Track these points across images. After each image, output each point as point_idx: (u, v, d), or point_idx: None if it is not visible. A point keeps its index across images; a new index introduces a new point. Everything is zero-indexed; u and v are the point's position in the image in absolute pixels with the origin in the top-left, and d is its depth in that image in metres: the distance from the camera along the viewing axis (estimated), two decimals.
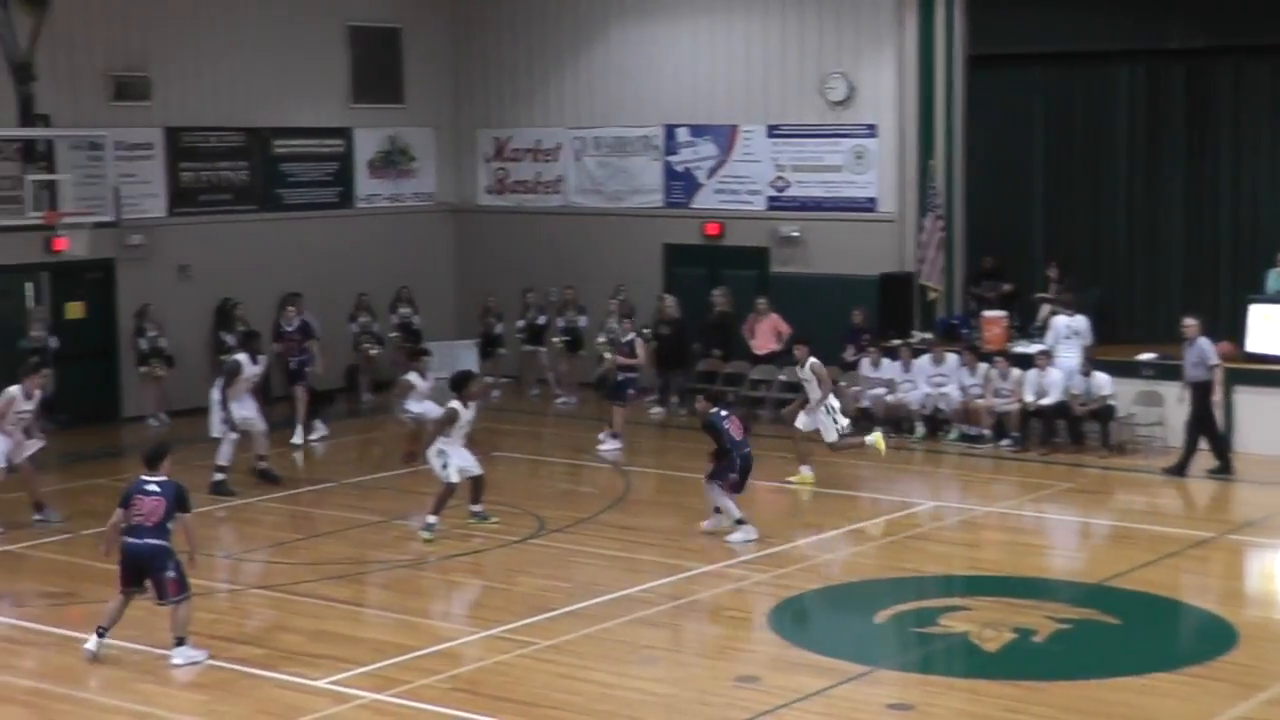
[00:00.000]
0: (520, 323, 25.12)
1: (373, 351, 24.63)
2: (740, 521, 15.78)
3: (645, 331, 22.38)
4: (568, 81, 26.06)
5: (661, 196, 25.24)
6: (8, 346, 21.22)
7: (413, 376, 18.69)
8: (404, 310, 25.35)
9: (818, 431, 18.40)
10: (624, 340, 21.29)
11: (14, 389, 16.50)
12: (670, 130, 25.06)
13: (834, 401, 18.53)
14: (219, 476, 17.90)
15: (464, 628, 13.31)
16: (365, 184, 26.15)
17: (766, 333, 22.85)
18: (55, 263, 22.10)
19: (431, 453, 16.18)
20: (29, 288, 22.36)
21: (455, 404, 16.18)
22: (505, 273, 26.11)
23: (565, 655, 12.45)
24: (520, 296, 25.17)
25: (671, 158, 25.10)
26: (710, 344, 23.38)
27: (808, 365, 18.47)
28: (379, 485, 18.72)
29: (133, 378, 22.82)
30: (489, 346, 25.07)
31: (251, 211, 24.65)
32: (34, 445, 16.74)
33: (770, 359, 22.77)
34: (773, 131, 24.11)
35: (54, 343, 21.68)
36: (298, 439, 20.79)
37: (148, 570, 12.22)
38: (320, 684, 11.88)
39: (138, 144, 23.07)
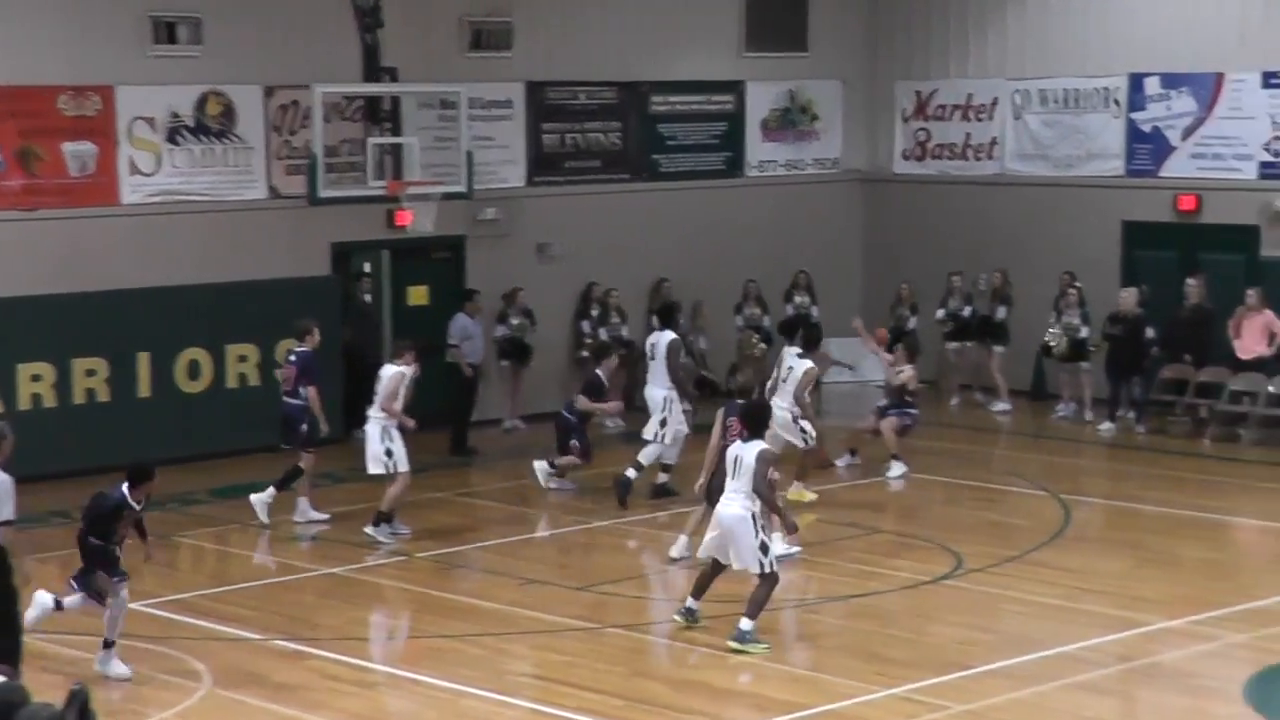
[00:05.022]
0: (941, 313, 24.85)
1: (758, 352, 24.61)
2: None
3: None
4: (1010, 21, 25.77)
5: (1123, 163, 24.84)
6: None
7: None
8: (800, 299, 25.40)
9: None
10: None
11: (403, 368, 17.39)
12: (1137, 80, 24.59)
13: None
14: (663, 478, 19.05)
15: (861, 684, 13.17)
16: (758, 148, 26.34)
17: (1255, 333, 22.34)
18: (397, 240, 22.92)
19: None
20: (366, 268, 23.30)
21: None
22: (924, 255, 26.00)
23: None
24: (943, 283, 24.87)
25: (1137, 115, 24.65)
26: (1179, 346, 22.88)
27: None
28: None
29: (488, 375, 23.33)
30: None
31: (624, 181, 25.11)
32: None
33: (1258, 365, 22.26)
34: (1270, 80, 23.46)
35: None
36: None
37: None
38: None
39: (495, 101, 23.76)
